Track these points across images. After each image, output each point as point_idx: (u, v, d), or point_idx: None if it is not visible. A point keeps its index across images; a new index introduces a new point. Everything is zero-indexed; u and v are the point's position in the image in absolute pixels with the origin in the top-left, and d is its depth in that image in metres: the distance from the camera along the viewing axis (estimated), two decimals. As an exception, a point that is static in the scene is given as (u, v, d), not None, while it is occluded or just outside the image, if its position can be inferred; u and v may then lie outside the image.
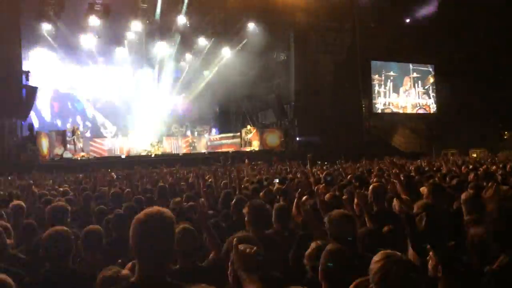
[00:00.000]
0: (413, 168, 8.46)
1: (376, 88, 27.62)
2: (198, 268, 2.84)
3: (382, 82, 27.76)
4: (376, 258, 1.83)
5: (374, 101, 27.45)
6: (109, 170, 12.25)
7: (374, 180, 5.53)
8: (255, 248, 1.97)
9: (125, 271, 2.35)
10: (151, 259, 1.83)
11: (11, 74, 17.87)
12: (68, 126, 22.84)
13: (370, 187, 4.11)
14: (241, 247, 1.94)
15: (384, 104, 27.88)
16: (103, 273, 2.40)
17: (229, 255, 2.07)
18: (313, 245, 2.63)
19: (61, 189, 7.64)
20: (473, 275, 2.24)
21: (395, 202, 3.75)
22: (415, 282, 1.76)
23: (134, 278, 1.87)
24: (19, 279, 2.50)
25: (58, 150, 20.22)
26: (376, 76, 27.62)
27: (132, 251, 1.89)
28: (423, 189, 5.23)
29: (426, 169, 8.89)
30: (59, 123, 23.64)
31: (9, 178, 11.55)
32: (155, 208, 1.92)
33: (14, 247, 3.50)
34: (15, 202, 4.73)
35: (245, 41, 24.47)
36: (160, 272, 1.85)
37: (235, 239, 2.15)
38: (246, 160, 14.17)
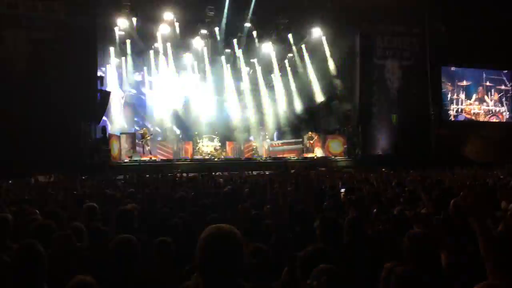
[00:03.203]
0: (491, 181, 7.86)
1: (449, 95, 26.33)
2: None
3: (455, 90, 26.43)
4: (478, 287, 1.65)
5: (447, 108, 26.18)
6: (177, 173, 12.52)
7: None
8: (323, 278, 1.83)
9: None
10: (216, 280, 1.72)
11: (88, 80, 18.93)
12: (138, 129, 23.86)
13: (452, 201, 3.78)
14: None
15: (457, 111, 26.50)
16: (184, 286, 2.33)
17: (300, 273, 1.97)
18: (387, 266, 2.44)
19: (129, 190, 7.87)
20: None
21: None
22: None
23: None
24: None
25: (128, 152, 21.14)
26: (449, 85, 26.35)
27: (197, 269, 1.79)
28: (504, 204, 4.80)
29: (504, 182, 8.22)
30: (129, 126, 24.74)
31: (83, 178, 12.19)
32: (223, 226, 1.81)
33: (87, 249, 3.59)
34: (88, 203, 4.90)
35: (309, 46, 24.31)
36: None
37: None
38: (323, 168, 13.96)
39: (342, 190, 6.70)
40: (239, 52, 24.57)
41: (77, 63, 18.17)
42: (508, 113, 27.38)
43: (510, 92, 27.20)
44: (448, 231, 3.31)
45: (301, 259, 2.33)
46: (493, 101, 27.13)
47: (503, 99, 27.26)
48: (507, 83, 27.24)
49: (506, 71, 27.20)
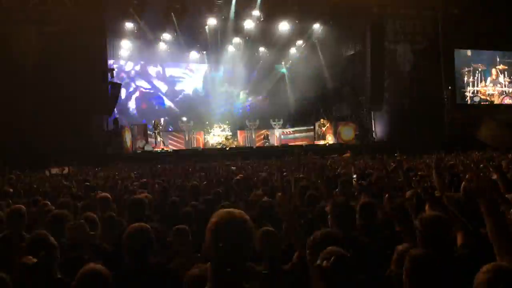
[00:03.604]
0: (505, 164, 7.74)
1: (465, 78, 26.10)
2: (281, 271, 2.74)
3: (471, 73, 26.20)
4: (485, 268, 1.63)
5: (463, 90, 25.93)
6: (192, 162, 12.58)
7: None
8: (332, 258, 1.82)
9: None
10: (226, 264, 1.71)
11: (98, 72, 19.01)
12: (149, 120, 24.00)
13: (463, 184, 3.74)
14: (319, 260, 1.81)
15: (473, 93, 26.30)
16: (190, 272, 2.35)
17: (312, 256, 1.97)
18: (398, 248, 2.43)
19: (142, 181, 7.94)
20: None
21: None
22: None
23: (207, 287, 1.76)
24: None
25: (140, 143, 21.29)
26: (466, 68, 26.11)
27: (206, 255, 1.80)
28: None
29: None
30: (140, 117, 24.89)
31: (97, 169, 12.31)
32: (233, 210, 1.80)
33: (101, 238, 3.64)
34: (102, 194, 4.95)
35: (319, 33, 24.07)
36: (237, 280, 1.73)
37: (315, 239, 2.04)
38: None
39: (354, 176, 6.68)
40: (248, 41, 24.42)
41: (88, 55, 18.24)
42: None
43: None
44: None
45: (310, 243, 2.33)
46: (506, 82, 26.95)
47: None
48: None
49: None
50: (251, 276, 2.27)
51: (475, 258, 1.84)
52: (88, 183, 7.04)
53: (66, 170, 10.88)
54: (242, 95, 27.23)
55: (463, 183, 3.81)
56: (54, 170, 11.79)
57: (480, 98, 26.44)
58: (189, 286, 2.24)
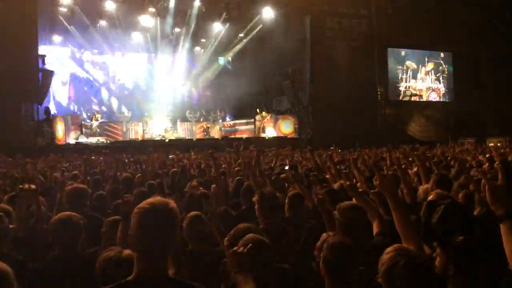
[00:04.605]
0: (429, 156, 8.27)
1: (400, 75, 27.66)
2: (209, 251, 2.81)
3: (404, 71, 27.87)
4: (388, 249, 1.79)
5: (398, 85, 27.72)
6: (124, 155, 12.28)
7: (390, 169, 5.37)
8: (249, 245, 1.91)
9: (127, 251, 2.21)
10: (151, 252, 1.75)
11: (28, 58, 17.97)
12: (82, 109, 23.06)
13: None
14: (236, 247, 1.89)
15: (405, 87, 28.04)
16: (104, 254, 2.33)
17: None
18: (323, 236, 2.55)
19: (73, 172, 7.65)
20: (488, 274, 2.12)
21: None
22: (421, 279, 1.73)
23: (132, 275, 1.77)
24: (21, 266, 2.47)
25: (74, 134, 20.42)
26: (399, 67, 27.75)
27: (130, 243, 1.81)
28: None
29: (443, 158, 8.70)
30: (74, 107, 23.86)
31: (27, 161, 11.66)
32: (159, 198, 1.84)
33: (19, 232, 3.47)
34: (27, 186, 4.72)
35: (260, 26, 24.24)
36: (160, 267, 1.78)
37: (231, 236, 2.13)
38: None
39: (287, 167, 6.85)
40: (189, 31, 24.10)
41: (17, 40, 17.17)
42: (444, 89, 29.69)
43: (446, 72, 29.61)
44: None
45: (231, 233, 2.39)
46: (432, 79, 29.18)
47: (440, 78, 29.69)
48: (444, 64, 29.57)
49: (442, 54, 29.11)
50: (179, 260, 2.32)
51: (388, 245, 1.99)
52: (15, 175, 6.67)
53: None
54: (183, 86, 26.86)
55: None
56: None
57: (412, 92, 28.23)
58: (102, 269, 2.21)
